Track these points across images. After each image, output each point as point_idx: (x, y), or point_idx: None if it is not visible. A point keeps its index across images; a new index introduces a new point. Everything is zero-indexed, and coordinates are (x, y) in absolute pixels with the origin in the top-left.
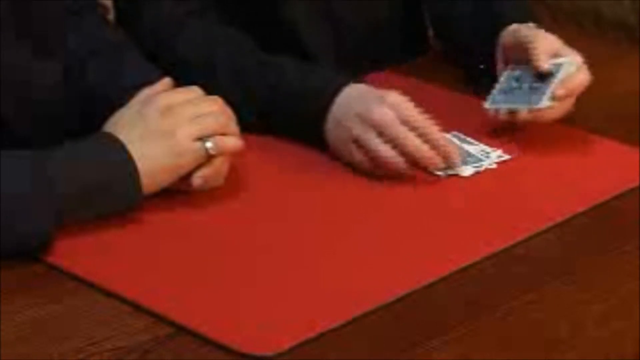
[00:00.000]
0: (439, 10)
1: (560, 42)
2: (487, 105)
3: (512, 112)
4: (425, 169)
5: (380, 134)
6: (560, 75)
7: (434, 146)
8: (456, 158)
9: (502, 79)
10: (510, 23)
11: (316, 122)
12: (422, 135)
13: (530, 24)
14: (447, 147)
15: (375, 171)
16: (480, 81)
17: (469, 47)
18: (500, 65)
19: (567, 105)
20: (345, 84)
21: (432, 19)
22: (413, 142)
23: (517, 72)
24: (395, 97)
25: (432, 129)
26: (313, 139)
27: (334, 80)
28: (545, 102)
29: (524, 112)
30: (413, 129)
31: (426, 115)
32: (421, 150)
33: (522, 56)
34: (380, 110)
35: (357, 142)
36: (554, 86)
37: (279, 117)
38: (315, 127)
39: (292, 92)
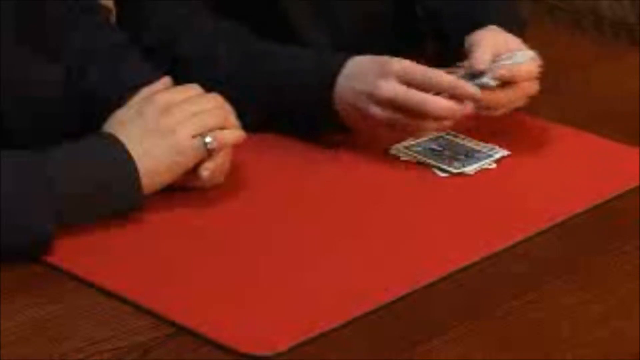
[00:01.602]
0: (430, 10)
1: (516, 43)
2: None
3: None
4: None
5: (395, 107)
6: (509, 62)
7: (453, 95)
8: (478, 95)
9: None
10: (490, 24)
11: (324, 103)
12: (434, 89)
13: (493, 26)
14: (465, 90)
15: (399, 139)
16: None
17: (457, 46)
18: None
19: (514, 95)
20: (345, 58)
21: (424, 17)
22: (424, 98)
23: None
24: (397, 64)
25: (444, 79)
26: (321, 123)
27: (335, 57)
28: (487, 80)
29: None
30: (423, 88)
31: (430, 68)
32: (441, 104)
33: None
34: (386, 85)
35: (373, 120)
36: (497, 67)
37: (283, 107)
38: (324, 109)
39: (297, 77)
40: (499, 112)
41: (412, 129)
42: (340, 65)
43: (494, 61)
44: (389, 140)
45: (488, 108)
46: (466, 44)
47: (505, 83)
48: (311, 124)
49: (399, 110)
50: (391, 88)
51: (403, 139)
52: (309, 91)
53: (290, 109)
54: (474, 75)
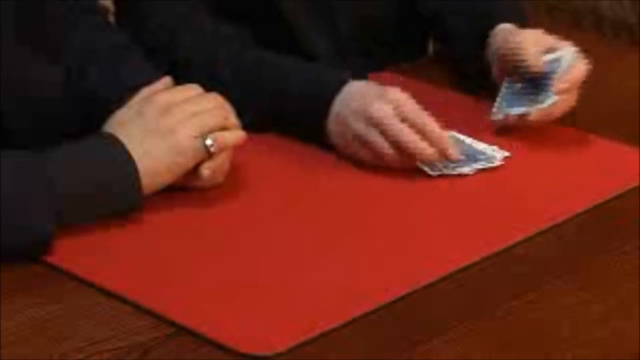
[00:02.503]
0: (432, 9)
1: (549, 37)
2: (494, 117)
3: (521, 116)
4: (423, 165)
5: (379, 129)
6: (559, 69)
7: (433, 143)
8: (455, 155)
9: (503, 88)
10: (499, 22)
11: (318, 120)
12: (421, 132)
13: (508, 26)
14: (445, 144)
15: (380, 164)
16: (473, 80)
17: (461, 46)
18: (495, 71)
19: (571, 97)
20: (346, 81)
21: (427, 17)
22: (410, 137)
23: (515, 78)
24: (395, 94)
25: (432, 125)
26: (315, 136)
27: (335, 78)
28: (550, 100)
29: (534, 114)
30: (412, 125)
31: (427, 113)
32: (419, 145)
33: (516, 63)
34: (378, 106)
35: (358, 138)
36: (556, 81)
37: (280, 115)
38: (316, 125)
39: (294, 91)
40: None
41: (384, 155)
42: (340, 86)
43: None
44: (363, 161)
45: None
46: (498, 51)
47: None
48: (307, 133)
49: (381, 134)
50: (382, 109)
51: (374, 163)
52: (305, 104)
53: (287, 117)
54: (534, 83)
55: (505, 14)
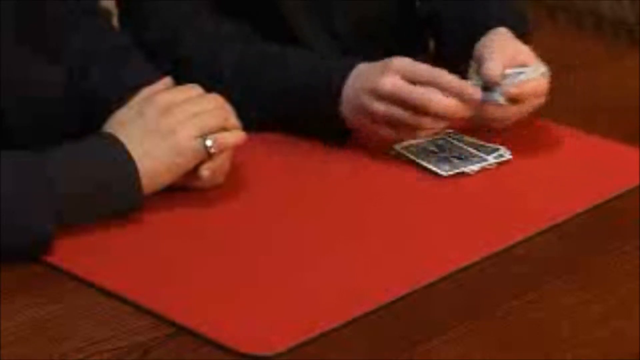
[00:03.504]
0: (431, 10)
1: (528, 53)
2: None
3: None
4: (432, 165)
5: (396, 101)
6: (519, 78)
7: (453, 93)
8: (477, 96)
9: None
10: (496, 25)
11: (330, 109)
12: (437, 87)
13: (503, 30)
14: (466, 90)
15: (400, 137)
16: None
17: (457, 47)
18: (470, 70)
19: (521, 110)
20: (352, 65)
21: (425, 18)
22: (428, 95)
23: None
24: (399, 61)
25: (445, 76)
26: (329, 125)
27: (341, 63)
28: (496, 97)
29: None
30: (427, 84)
31: (435, 68)
32: (443, 101)
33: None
34: (386, 80)
35: (379, 118)
36: (509, 86)
37: (288, 111)
38: (330, 114)
39: (300, 84)
40: (504, 125)
41: (412, 126)
42: (347, 71)
43: (504, 74)
44: (389, 140)
45: (494, 121)
46: (476, 51)
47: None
48: (314, 128)
49: (400, 106)
50: (393, 82)
51: (402, 139)
52: (315, 95)
53: (293, 113)
54: (484, 87)
55: (502, 19)
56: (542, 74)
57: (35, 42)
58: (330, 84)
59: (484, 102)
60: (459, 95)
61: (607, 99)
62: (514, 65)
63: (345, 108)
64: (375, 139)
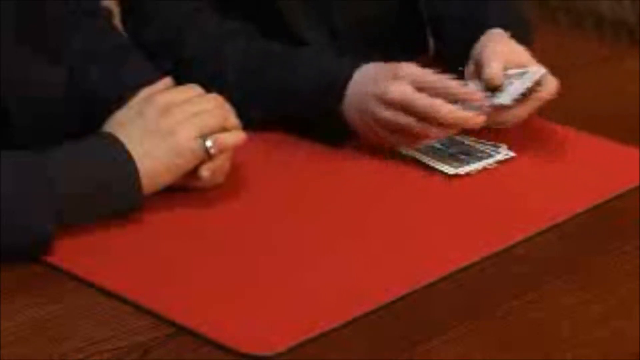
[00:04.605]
0: (433, 10)
1: (525, 55)
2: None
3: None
4: (438, 164)
5: (404, 109)
6: (523, 79)
7: (461, 100)
8: (486, 104)
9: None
10: (494, 27)
11: (332, 109)
12: (446, 96)
13: (499, 32)
14: (475, 97)
15: (405, 144)
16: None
17: (457, 48)
18: (467, 72)
19: (526, 110)
20: (356, 65)
21: (427, 18)
22: (442, 108)
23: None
24: (408, 68)
25: (454, 86)
26: (331, 126)
27: (345, 64)
28: (501, 99)
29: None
30: (435, 94)
31: (443, 76)
32: (454, 113)
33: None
34: (396, 87)
35: (386, 125)
36: (517, 87)
37: (290, 110)
38: (332, 114)
39: (303, 83)
40: (508, 126)
41: (418, 135)
42: (352, 70)
43: (506, 75)
44: (395, 146)
45: (499, 124)
46: (476, 54)
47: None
48: (316, 128)
49: (408, 114)
50: (402, 90)
51: (409, 145)
52: (318, 95)
53: (296, 112)
54: (488, 89)
55: (503, 21)
56: (546, 77)
57: (36, 42)
58: (335, 84)
59: (490, 106)
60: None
61: (608, 100)
62: (511, 66)
63: (348, 110)
64: (377, 143)
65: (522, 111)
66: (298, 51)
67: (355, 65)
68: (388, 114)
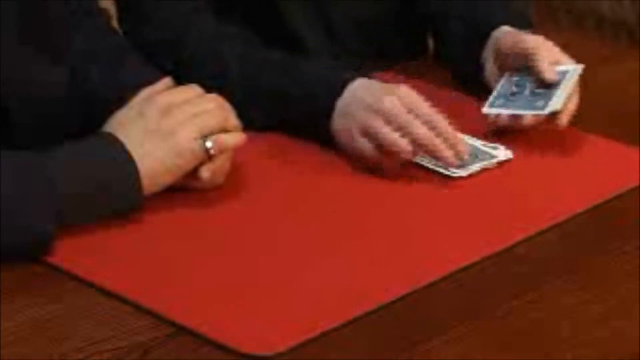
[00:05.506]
0: (432, 10)
1: (559, 49)
2: (486, 109)
3: (514, 117)
4: (438, 165)
5: (390, 122)
6: (565, 82)
7: (444, 139)
8: (465, 152)
9: (500, 83)
10: (499, 25)
11: (322, 120)
12: (432, 128)
13: (513, 29)
14: (456, 140)
15: (381, 162)
16: (469, 81)
17: (458, 47)
18: (492, 70)
19: (571, 113)
20: (349, 79)
21: (428, 17)
22: (422, 130)
23: (515, 78)
24: (406, 90)
25: (442, 122)
26: (320, 136)
27: (338, 77)
28: (550, 108)
29: (528, 117)
30: (424, 121)
31: (436, 110)
32: (431, 138)
33: (521, 63)
34: (391, 99)
35: (365, 131)
36: (561, 92)
37: (285, 116)
38: (321, 125)
39: (297, 92)
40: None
41: (402, 153)
42: (348, 80)
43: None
44: (370, 160)
45: (517, 129)
46: (503, 48)
47: None
48: (313, 133)
49: (397, 131)
50: (394, 103)
51: (383, 163)
52: (308, 106)
53: (289, 119)
54: (531, 87)
55: (506, 18)
56: (579, 74)
57: (38, 43)
58: (328, 93)
59: (539, 115)
60: (451, 147)
61: (608, 100)
62: (554, 60)
63: (335, 118)
64: (354, 155)
65: (565, 117)
66: (295, 58)
67: (348, 80)
68: (370, 121)
